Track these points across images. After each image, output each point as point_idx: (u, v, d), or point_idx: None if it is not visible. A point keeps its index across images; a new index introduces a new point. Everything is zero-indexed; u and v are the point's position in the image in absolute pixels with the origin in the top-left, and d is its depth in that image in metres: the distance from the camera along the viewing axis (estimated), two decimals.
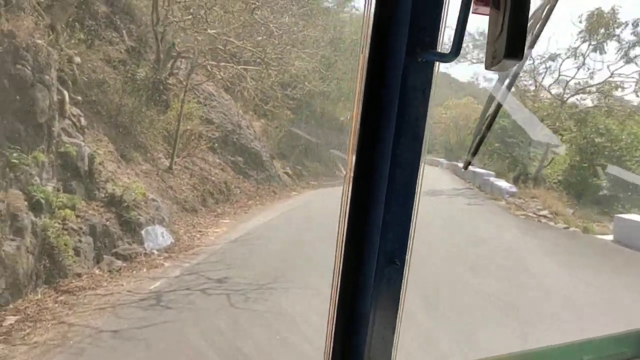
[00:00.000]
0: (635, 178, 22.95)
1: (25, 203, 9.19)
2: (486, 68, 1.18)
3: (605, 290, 10.86)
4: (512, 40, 1.07)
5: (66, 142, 11.40)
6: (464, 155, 48.32)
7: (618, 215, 17.16)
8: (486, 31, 1.19)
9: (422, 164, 1.44)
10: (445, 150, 48.09)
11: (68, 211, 10.27)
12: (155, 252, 11.63)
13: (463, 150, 48.03)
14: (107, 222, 11.07)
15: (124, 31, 18.45)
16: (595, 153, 23.88)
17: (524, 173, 27.82)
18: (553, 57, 27.73)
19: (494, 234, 16.35)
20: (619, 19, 25.26)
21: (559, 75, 27.96)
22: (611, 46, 25.97)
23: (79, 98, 13.39)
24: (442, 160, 43.46)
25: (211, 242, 13.17)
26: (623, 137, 24.30)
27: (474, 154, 2.05)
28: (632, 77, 25.30)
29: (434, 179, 28.41)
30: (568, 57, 27.02)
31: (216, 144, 20.79)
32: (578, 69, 27.07)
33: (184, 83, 18.30)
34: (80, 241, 10.07)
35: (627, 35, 25.35)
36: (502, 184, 24.99)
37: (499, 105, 1.87)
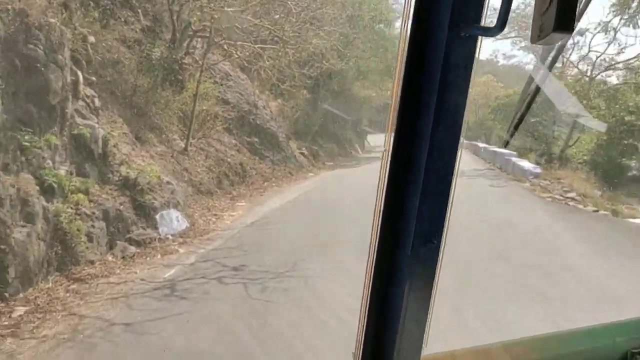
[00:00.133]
0: None
1: (37, 187, 8.93)
2: (532, 42, 1.14)
3: None
4: (563, 12, 1.04)
5: (80, 124, 11.11)
6: (483, 135, 47.36)
7: None
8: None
9: (461, 141, 1.42)
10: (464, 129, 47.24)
11: (81, 195, 10.03)
12: (170, 237, 11.39)
13: (483, 130, 47.02)
14: (121, 207, 10.82)
15: (139, 10, 18.06)
16: (624, 132, 22.87)
17: (547, 153, 27.00)
18: (582, 32, 26.69)
19: (521, 217, 15.78)
20: None
21: (589, 50, 26.93)
22: None
23: (93, 79, 13.09)
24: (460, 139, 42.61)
25: (227, 227, 12.89)
26: None
27: (513, 134, 2.10)
28: None
29: None
30: (598, 32, 25.95)
31: (232, 125, 20.46)
32: (608, 44, 26.03)
33: (200, 62, 17.91)
34: (93, 226, 9.83)
35: None
36: (525, 164, 24.29)
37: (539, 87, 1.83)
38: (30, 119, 9.47)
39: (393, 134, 1.43)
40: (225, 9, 17.64)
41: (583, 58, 27.33)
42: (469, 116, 47.36)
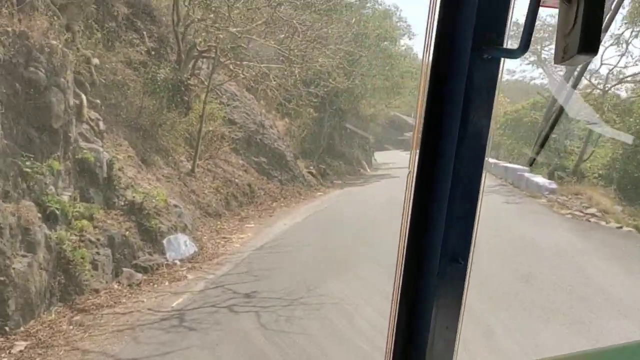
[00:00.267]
0: None
1: (39, 215, 8.59)
2: (556, 63, 1.16)
3: None
4: (587, 35, 1.03)
5: (84, 148, 10.81)
6: (492, 150, 46.93)
7: None
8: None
9: (485, 162, 1.43)
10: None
11: (85, 222, 9.68)
12: (178, 262, 10.98)
13: (492, 146, 46.62)
14: (127, 232, 10.44)
15: (144, 32, 17.93)
16: None
17: (560, 168, 26.45)
18: None
19: (542, 235, 15.17)
20: None
21: (601, 64, 26.58)
22: None
23: (98, 101, 12.83)
24: None
25: (236, 250, 12.47)
26: None
27: (539, 152, 2.40)
28: None
29: None
30: (611, 45, 25.63)
31: (239, 145, 20.16)
32: (620, 57, 25.64)
33: (206, 83, 17.67)
34: (98, 253, 9.45)
35: None
36: (539, 180, 23.75)
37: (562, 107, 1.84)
38: (32, 144, 9.18)
39: (417, 155, 1.43)
40: (230, 29, 17.48)
41: (595, 72, 26.98)
42: None
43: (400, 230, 1.46)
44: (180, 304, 8.71)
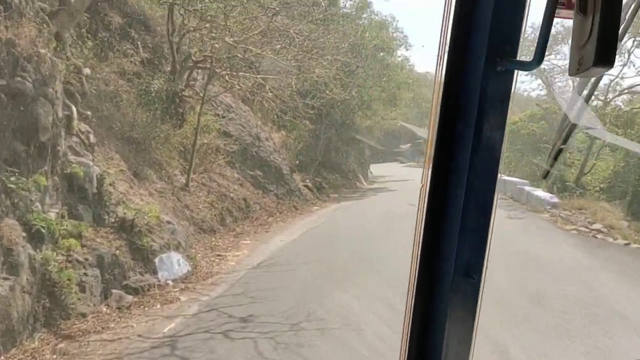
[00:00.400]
0: None
1: (23, 234, 8.06)
2: (570, 75, 1.14)
3: None
4: (603, 47, 1.00)
5: (73, 162, 10.31)
6: None
7: None
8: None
9: (499, 176, 1.41)
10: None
11: (73, 240, 9.15)
12: (170, 282, 10.46)
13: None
14: (117, 251, 9.90)
15: (138, 42, 17.50)
16: None
17: (560, 181, 26.10)
18: None
19: (548, 253, 14.71)
20: None
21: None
22: None
23: (89, 113, 12.33)
24: None
25: (231, 269, 11.96)
26: None
27: (552, 164, 2.15)
28: None
29: None
30: None
31: (234, 158, 19.69)
32: (622, 67, 25.46)
33: (201, 94, 17.22)
34: (86, 274, 8.92)
35: None
36: (541, 193, 23.36)
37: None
38: (17, 158, 8.66)
39: (430, 170, 1.43)
40: (226, 39, 17.08)
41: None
42: None
43: (413, 246, 1.45)
44: (172, 329, 8.18)
